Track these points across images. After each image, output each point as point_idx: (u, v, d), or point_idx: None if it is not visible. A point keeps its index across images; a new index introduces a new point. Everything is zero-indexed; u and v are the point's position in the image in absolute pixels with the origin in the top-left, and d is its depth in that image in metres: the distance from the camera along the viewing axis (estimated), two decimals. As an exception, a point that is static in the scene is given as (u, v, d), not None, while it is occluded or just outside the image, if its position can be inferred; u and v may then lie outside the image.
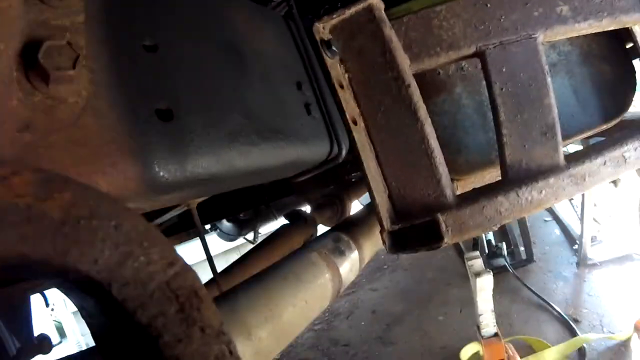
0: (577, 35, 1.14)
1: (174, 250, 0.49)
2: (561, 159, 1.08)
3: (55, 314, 8.42)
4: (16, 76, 0.68)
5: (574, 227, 5.09)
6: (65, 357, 0.97)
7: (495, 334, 2.90)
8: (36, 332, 2.05)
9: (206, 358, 0.47)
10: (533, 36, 1.06)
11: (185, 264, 0.50)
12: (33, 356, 1.96)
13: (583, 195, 4.26)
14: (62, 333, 8.45)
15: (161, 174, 0.87)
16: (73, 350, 7.22)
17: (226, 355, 0.48)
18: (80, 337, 8.36)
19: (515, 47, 1.06)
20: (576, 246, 4.73)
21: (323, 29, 1.07)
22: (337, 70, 1.07)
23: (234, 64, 1.17)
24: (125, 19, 0.92)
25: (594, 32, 1.12)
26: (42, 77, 0.70)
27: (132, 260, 0.45)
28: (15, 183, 0.38)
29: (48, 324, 7.74)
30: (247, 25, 1.28)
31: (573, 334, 3.53)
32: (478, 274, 2.75)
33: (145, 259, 0.46)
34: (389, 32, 1.04)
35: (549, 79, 1.07)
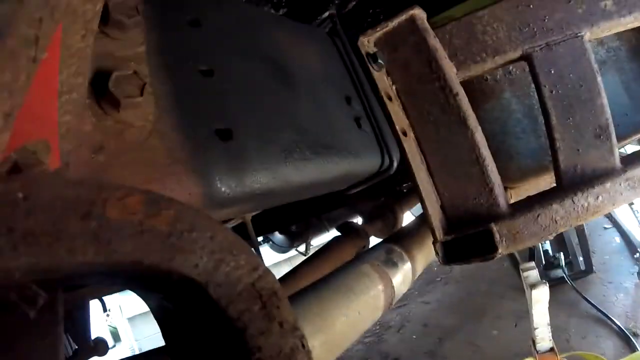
0: (623, 29, 1.10)
1: (257, 257, 0.56)
2: (617, 162, 1.04)
3: (110, 319, 8.82)
4: (89, 104, 0.76)
5: (635, 235, 4.86)
6: (128, 357, 1.03)
7: (551, 349, 2.80)
8: (93, 336, 2.13)
9: (283, 348, 0.54)
10: (579, 34, 1.04)
11: (267, 268, 0.57)
12: (89, 357, 2.04)
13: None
14: (116, 337, 8.87)
15: (222, 189, 0.94)
16: (127, 353, 7.44)
17: (299, 348, 0.55)
18: (134, 341, 8.84)
19: (562, 47, 1.04)
20: (637, 255, 4.52)
21: (368, 42, 1.09)
22: (384, 82, 1.09)
23: (284, 83, 1.22)
24: (182, 47, 0.99)
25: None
26: (112, 103, 0.77)
27: (224, 265, 0.53)
28: (129, 203, 0.46)
29: (103, 328, 8.05)
30: (294, 45, 1.33)
31: (633, 349, 3.37)
32: (534, 286, 2.66)
33: (235, 264, 0.54)
34: (433, 41, 1.04)
35: (599, 78, 1.04)
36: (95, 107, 0.77)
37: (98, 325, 7.41)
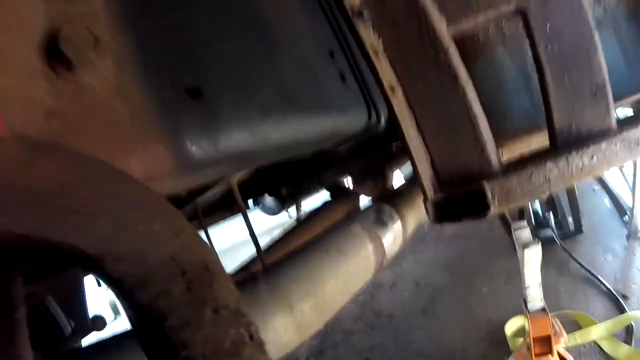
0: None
1: (182, 219, 0.44)
2: (613, 122, 1.01)
3: (109, 293, 8.78)
4: (39, 67, 0.69)
5: (625, 198, 4.89)
6: (111, 336, 1.00)
7: (542, 309, 2.84)
8: (92, 312, 2.14)
9: (221, 344, 0.40)
10: (576, -12, 0.99)
11: (195, 233, 0.44)
12: (88, 334, 2.05)
13: (635, 163, 4.08)
14: (116, 311, 8.83)
15: (194, 151, 0.88)
16: (128, 326, 7.50)
17: (245, 340, 0.42)
18: None
19: (558, 2, 0.99)
20: (627, 217, 4.55)
21: (352, -5, 1.04)
22: (370, 37, 1.04)
23: (261, 36, 1.16)
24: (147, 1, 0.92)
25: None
26: (64, 64, 0.71)
27: (128, 231, 0.39)
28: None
29: (103, 302, 8.06)
30: None
31: (621, 310, 3.42)
32: (526, 245, 2.68)
33: (144, 229, 0.40)
34: (423, -6, 0.99)
35: (596, 36, 0.99)
36: (47, 69, 0.70)
37: (97, 299, 7.45)
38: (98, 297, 7.60)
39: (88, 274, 2.29)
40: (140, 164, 0.79)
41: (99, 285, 2.98)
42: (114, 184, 0.41)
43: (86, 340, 2.07)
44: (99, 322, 2.10)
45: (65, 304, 1.96)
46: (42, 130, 0.69)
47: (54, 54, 0.70)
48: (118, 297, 0.42)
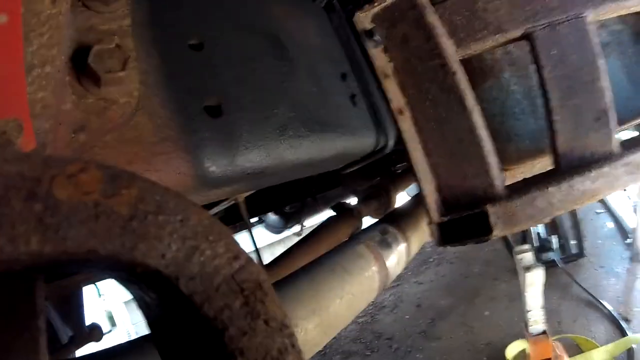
0: (627, 12, 1.07)
1: (238, 244, 0.50)
2: (616, 146, 1.02)
3: (106, 304, 8.71)
4: (68, 81, 0.71)
5: (627, 220, 4.89)
6: (116, 345, 1.00)
7: (543, 332, 2.82)
8: (88, 321, 2.14)
9: (269, 351, 0.47)
10: (582, 15, 1.01)
11: (250, 257, 0.50)
12: (84, 344, 2.05)
13: (638, 186, 4.08)
14: (112, 322, 8.77)
15: (212, 169, 0.90)
16: (123, 338, 7.45)
17: (288, 349, 0.49)
18: (130, 325, 8.64)
19: (564, 27, 1.01)
20: (629, 240, 4.54)
21: (365, 18, 1.06)
22: (381, 59, 1.06)
23: (277, 58, 1.18)
24: (171, 20, 0.95)
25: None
26: (93, 80, 0.73)
27: (198, 254, 0.45)
28: (82, 180, 0.39)
29: (99, 313, 8.02)
30: (289, 19, 1.29)
31: (623, 333, 3.39)
32: (528, 269, 2.67)
33: (211, 252, 0.46)
34: (432, 17, 1.01)
35: (601, 61, 1.01)
36: (75, 84, 0.72)
37: (94, 310, 7.41)
38: (95, 307, 7.57)
39: (88, 284, 2.29)
40: (160, 178, 0.81)
41: (99, 295, 2.97)
42: (185, 211, 0.46)
43: (82, 350, 2.05)
44: (96, 333, 2.10)
45: (63, 312, 1.96)
46: (69, 143, 0.71)
47: (83, 68, 0.72)
48: (182, 312, 0.47)
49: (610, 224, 5.17)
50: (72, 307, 2.06)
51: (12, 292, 0.40)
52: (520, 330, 2.98)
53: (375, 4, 1.04)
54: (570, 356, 3.07)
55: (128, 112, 0.78)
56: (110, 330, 8.16)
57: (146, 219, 0.43)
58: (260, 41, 1.15)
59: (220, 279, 0.46)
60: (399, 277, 5.28)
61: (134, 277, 0.44)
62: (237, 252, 0.49)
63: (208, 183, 0.92)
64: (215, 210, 1.50)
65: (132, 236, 0.41)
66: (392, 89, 1.05)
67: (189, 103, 0.90)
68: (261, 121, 1.04)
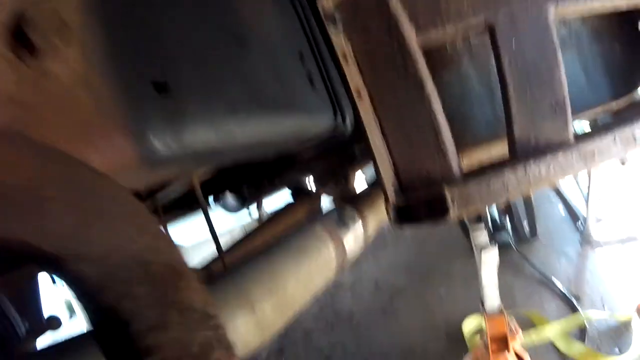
0: (589, 12, 1.11)
1: (148, 215, 0.41)
2: (570, 135, 1.05)
3: (65, 293, 8.49)
4: (2, 51, 0.67)
5: (579, 207, 5.06)
6: (63, 341, 0.96)
7: (499, 308, 2.91)
8: (47, 311, 2.09)
9: (188, 347, 0.37)
10: (544, 9, 1.02)
11: (161, 232, 0.41)
12: (42, 334, 2.00)
13: (589, 174, 4.23)
14: (72, 310, 8.54)
15: (158, 147, 0.86)
16: (83, 326, 7.29)
17: (213, 344, 0.39)
18: None
19: (525, 20, 1.03)
20: (580, 223, 4.71)
21: (327, 1, 1.04)
22: (341, 43, 1.05)
23: (231, 33, 1.15)
24: None
25: (606, 11, 1.09)
26: (30, 50, 0.68)
27: (91, 229, 0.36)
28: None
29: (58, 302, 7.80)
30: None
31: (574, 310, 3.54)
32: (483, 248, 2.75)
33: (108, 226, 0.37)
34: (395, 3, 1.01)
35: (559, 54, 1.04)
36: (10, 55, 0.67)
37: (52, 299, 7.21)
38: (53, 295, 7.36)
39: (42, 272, 2.23)
40: (101, 157, 0.77)
41: (54, 282, 2.89)
42: (77, 177, 0.38)
43: (41, 341, 2.01)
44: (54, 322, 2.05)
45: (19, 303, 1.90)
46: (2, 117, 0.67)
47: (21, 38, 0.67)
48: (79, 299, 0.39)
49: (562, 208, 5.35)
50: (28, 298, 2.01)
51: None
52: (476, 307, 3.06)
53: (338, -15, 1.03)
54: (524, 331, 3.18)
55: (68, 85, 0.74)
56: (70, 318, 7.95)
57: (24, 190, 0.34)
58: (212, 16, 1.12)
59: (121, 259, 0.36)
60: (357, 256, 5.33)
61: (30, 259, 0.35)
62: (143, 225, 0.39)
63: (153, 161, 0.87)
64: (170, 189, 1.47)
65: (8, 209, 0.33)
66: (352, 72, 1.04)
67: (134, 79, 0.86)
68: (210, 99, 1.00)
